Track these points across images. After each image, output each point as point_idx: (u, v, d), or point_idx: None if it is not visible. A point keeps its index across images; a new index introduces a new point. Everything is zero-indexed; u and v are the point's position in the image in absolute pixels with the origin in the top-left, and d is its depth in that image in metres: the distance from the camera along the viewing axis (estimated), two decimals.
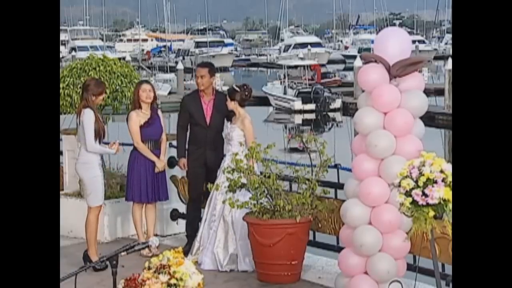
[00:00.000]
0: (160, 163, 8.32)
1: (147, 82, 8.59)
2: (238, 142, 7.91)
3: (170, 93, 43.54)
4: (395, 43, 6.41)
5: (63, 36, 72.67)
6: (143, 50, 74.95)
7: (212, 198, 8.00)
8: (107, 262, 4.50)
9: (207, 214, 8.05)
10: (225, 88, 40.43)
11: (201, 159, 8.31)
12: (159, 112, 8.47)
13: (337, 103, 39.92)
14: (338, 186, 7.56)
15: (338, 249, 7.39)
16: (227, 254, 7.80)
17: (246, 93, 8.03)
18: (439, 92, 36.68)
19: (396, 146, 6.23)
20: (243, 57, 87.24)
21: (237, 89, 8.03)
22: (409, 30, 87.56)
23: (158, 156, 8.35)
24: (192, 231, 8.39)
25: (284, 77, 44.30)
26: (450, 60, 29.88)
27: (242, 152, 7.63)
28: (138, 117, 8.27)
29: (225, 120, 8.17)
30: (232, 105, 8.02)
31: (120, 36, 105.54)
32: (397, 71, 6.28)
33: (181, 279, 4.47)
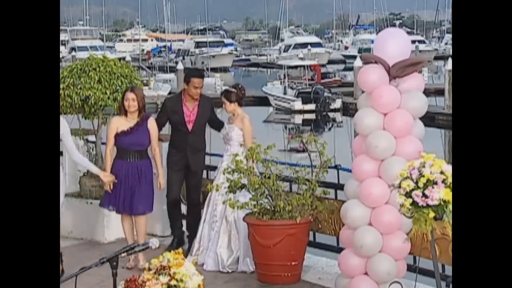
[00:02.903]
0: (105, 177, 7.81)
1: (133, 90, 7.93)
2: (238, 142, 7.91)
3: (170, 93, 43.46)
4: (395, 44, 6.41)
5: (63, 36, 72.63)
6: (143, 50, 74.84)
7: (211, 199, 8.00)
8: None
9: (206, 214, 8.05)
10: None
11: (182, 162, 8.30)
12: (150, 120, 7.91)
13: (337, 103, 39.91)
14: (338, 187, 7.56)
15: (338, 249, 7.39)
16: (231, 254, 7.80)
17: (243, 91, 8.07)
18: (439, 92, 36.70)
19: (396, 147, 6.23)
20: (243, 57, 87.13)
21: (232, 89, 8.06)
22: (409, 30, 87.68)
23: (146, 167, 7.86)
24: (176, 231, 8.50)
25: (284, 77, 44.27)
26: (450, 60, 29.87)
27: (242, 152, 7.63)
28: (117, 124, 7.85)
29: (225, 123, 8.17)
30: (232, 106, 8.01)
31: (120, 36, 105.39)
32: (397, 71, 6.28)
33: (181, 280, 4.47)
